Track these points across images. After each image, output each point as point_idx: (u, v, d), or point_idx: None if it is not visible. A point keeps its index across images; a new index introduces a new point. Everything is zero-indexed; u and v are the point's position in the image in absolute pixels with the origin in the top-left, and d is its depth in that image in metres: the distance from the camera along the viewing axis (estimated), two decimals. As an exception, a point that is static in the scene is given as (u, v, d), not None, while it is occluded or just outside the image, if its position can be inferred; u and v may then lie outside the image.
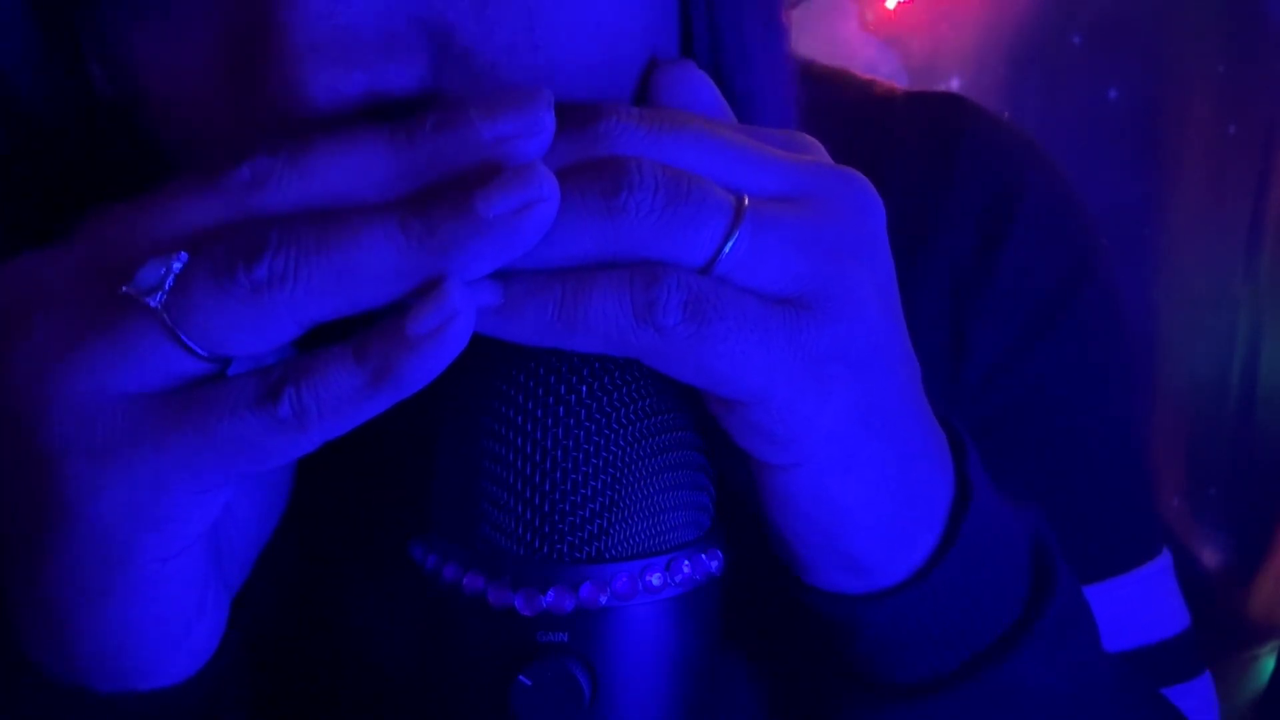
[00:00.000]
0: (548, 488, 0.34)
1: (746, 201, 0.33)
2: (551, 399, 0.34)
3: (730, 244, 0.32)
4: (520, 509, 0.34)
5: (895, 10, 1.26)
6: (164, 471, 0.31)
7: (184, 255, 0.31)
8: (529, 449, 0.34)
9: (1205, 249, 1.32)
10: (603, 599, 0.34)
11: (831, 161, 0.37)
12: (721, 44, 0.41)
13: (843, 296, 0.34)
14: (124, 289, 0.31)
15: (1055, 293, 0.53)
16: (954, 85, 1.27)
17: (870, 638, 0.39)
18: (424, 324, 0.30)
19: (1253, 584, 1.34)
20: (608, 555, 0.34)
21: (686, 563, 0.35)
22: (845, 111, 0.50)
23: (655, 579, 0.34)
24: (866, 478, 0.36)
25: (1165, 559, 0.56)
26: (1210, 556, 1.35)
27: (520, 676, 0.33)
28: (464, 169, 0.31)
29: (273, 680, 0.45)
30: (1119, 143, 1.29)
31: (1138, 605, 0.54)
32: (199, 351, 0.31)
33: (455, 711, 0.35)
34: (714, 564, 0.36)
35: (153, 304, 0.30)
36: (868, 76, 0.58)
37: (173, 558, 0.33)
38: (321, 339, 0.32)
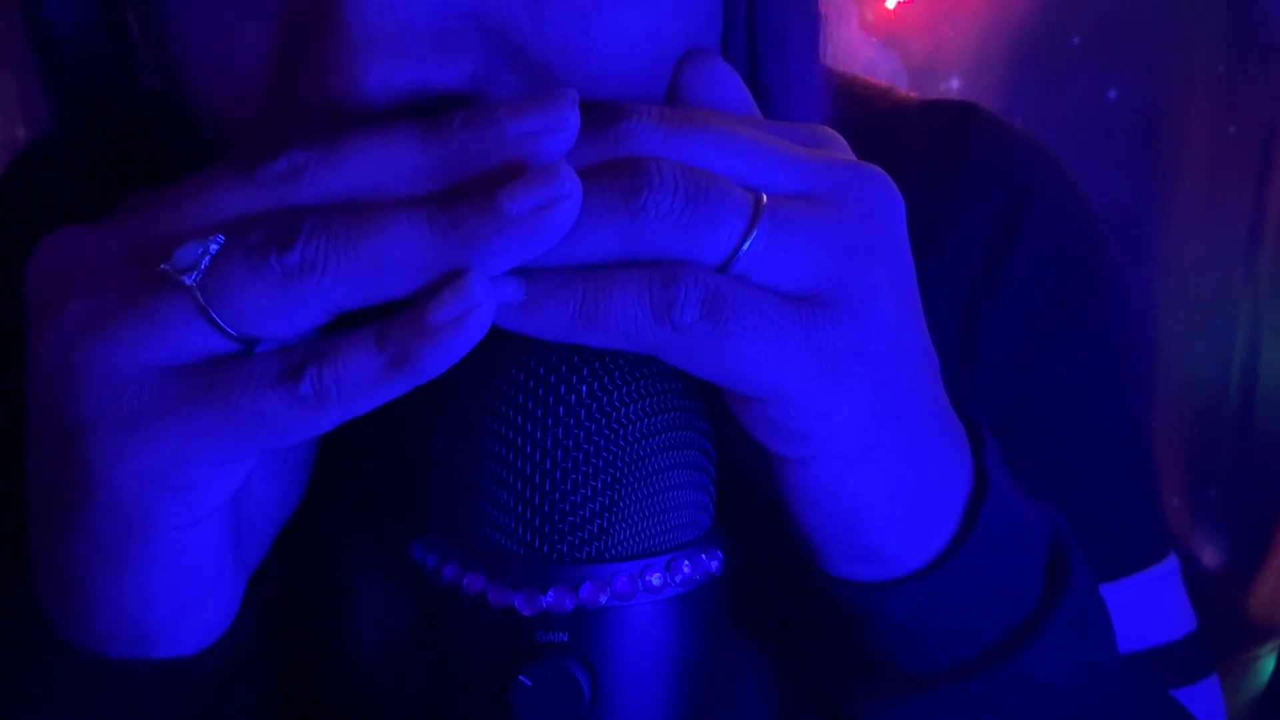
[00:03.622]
0: (548, 488, 0.34)
1: (765, 200, 0.33)
2: (551, 399, 0.34)
3: (748, 242, 0.33)
4: (520, 509, 0.34)
5: (895, 10, 1.26)
6: (185, 442, 0.32)
7: (220, 238, 0.32)
8: (529, 449, 0.34)
9: (1205, 249, 1.32)
10: (603, 599, 0.34)
11: (854, 157, 0.37)
12: (758, 37, 0.42)
13: (859, 294, 0.34)
14: (162, 266, 0.32)
15: (1065, 298, 0.53)
16: (954, 85, 1.26)
17: (887, 626, 0.39)
18: (445, 313, 0.31)
19: (1253, 584, 1.34)
20: (608, 555, 0.34)
21: (686, 563, 0.35)
22: (858, 119, 0.50)
23: (655, 579, 0.34)
24: (883, 472, 0.36)
25: (1172, 561, 0.56)
26: (1210, 556, 1.35)
27: (520, 676, 0.33)
28: (491, 165, 0.32)
29: (273, 679, 0.45)
30: (1119, 143, 1.29)
31: (1145, 607, 0.54)
32: (229, 331, 0.32)
33: (455, 711, 0.35)
34: (714, 564, 0.36)
35: (188, 282, 0.32)
36: (882, 84, 0.58)
37: (191, 526, 0.34)
38: (343, 326, 0.32)
